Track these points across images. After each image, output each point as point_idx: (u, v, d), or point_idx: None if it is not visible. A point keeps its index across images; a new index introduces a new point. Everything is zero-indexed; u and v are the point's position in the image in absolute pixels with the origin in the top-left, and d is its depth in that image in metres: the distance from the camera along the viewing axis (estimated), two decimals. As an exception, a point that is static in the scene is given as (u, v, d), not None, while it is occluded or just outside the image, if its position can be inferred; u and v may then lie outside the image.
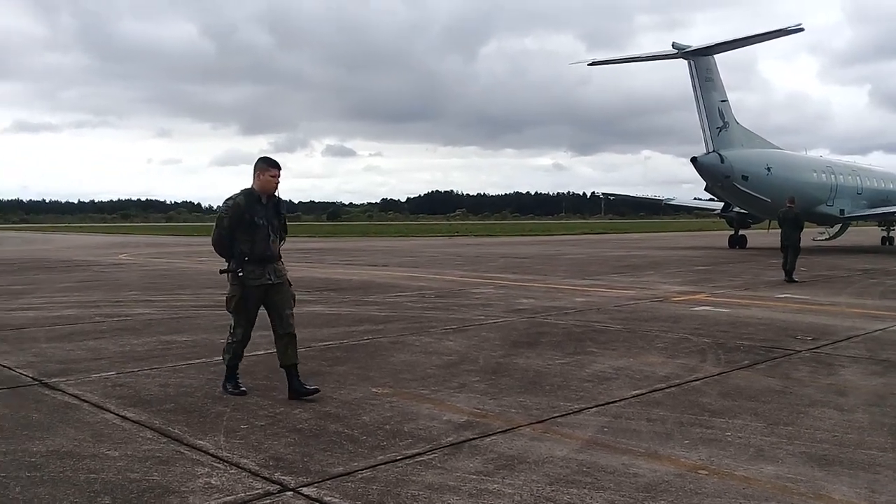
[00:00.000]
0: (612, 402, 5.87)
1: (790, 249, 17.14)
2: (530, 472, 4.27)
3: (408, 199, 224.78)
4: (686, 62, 29.70)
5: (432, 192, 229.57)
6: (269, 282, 5.95)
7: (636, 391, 6.23)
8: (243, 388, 6.03)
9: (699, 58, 29.46)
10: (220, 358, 6.31)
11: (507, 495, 3.92)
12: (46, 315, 10.95)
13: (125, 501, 3.82)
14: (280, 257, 6.11)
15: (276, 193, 6.06)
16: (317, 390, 5.90)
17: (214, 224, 5.99)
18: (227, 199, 5.93)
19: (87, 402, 5.82)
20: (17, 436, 4.92)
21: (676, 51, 29.88)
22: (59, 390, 6.21)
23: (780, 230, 18.38)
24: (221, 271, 6.02)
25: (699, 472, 4.30)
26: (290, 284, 6.17)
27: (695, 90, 29.44)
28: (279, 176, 6.02)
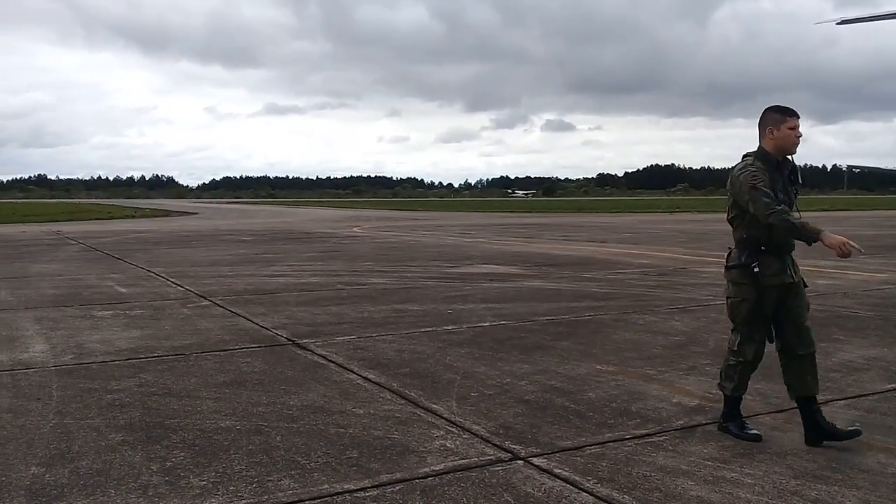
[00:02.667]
0: (864, 395, 5.36)
1: None
2: (772, 464, 4.03)
3: (625, 173, 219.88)
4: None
5: (652, 165, 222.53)
6: (790, 280, 4.41)
7: (893, 385, 5.63)
8: (754, 431, 4.46)
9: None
10: (720, 378, 4.64)
11: (746, 485, 3.74)
12: (295, 281, 12.08)
13: (371, 456, 4.14)
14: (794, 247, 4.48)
15: (791, 156, 4.48)
16: (857, 433, 4.33)
17: (748, 197, 4.25)
18: (748, 167, 4.32)
19: (333, 362, 6.36)
20: (276, 390, 5.50)
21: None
22: (309, 350, 6.83)
23: None
24: (728, 267, 4.47)
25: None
26: (806, 285, 4.57)
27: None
28: (799, 127, 4.42)
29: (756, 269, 4.34)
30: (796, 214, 4.29)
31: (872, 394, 5.41)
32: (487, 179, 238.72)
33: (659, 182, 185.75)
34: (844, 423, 4.69)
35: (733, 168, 4.50)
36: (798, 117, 4.40)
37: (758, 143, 4.48)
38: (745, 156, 4.50)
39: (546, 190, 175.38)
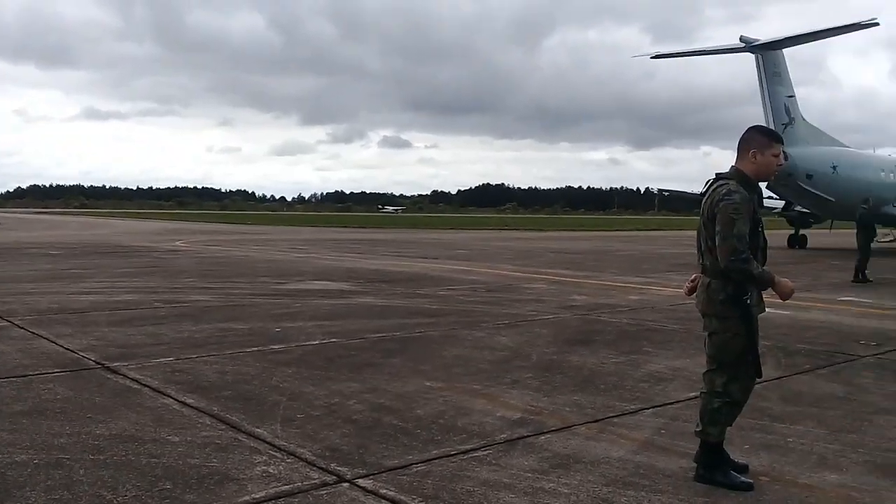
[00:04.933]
0: (670, 404, 5.76)
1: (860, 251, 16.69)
2: (586, 473, 4.22)
3: (458, 191, 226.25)
4: (753, 56, 28.96)
5: (484, 184, 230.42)
6: (763, 311, 4.19)
7: (693, 393, 6.06)
8: (744, 479, 4.09)
9: (767, 52, 28.65)
10: (702, 426, 4.18)
11: (562, 495, 3.88)
12: (107, 299, 11.25)
13: (185, 486, 3.89)
14: None
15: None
16: (750, 485, 4.05)
17: (720, 235, 3.95)
18: (732, 193, 3.98)
19: (147, 386, 5.96)
20: (80, 418, 5.05)
21: (744, 44, 29.11)
22: (121, 374, 6.36)
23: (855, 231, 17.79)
24: (724, 301, 4.04)
25: (761, 478, 4.19)
26: None
27: (761, 85, 28.65)
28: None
29: (749, 301, 4.03)
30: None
31: (676, 402, 5.83)
32: (322, 194, 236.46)
33: (490, 200, 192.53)
34: (652, 431, 5.02)
35: (712, 190, 4.12)
36: (783, 144, 4.21)
37: (733, 164, 4.18)
38: (720, 176, 4.15)
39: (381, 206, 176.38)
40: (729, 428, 4.24)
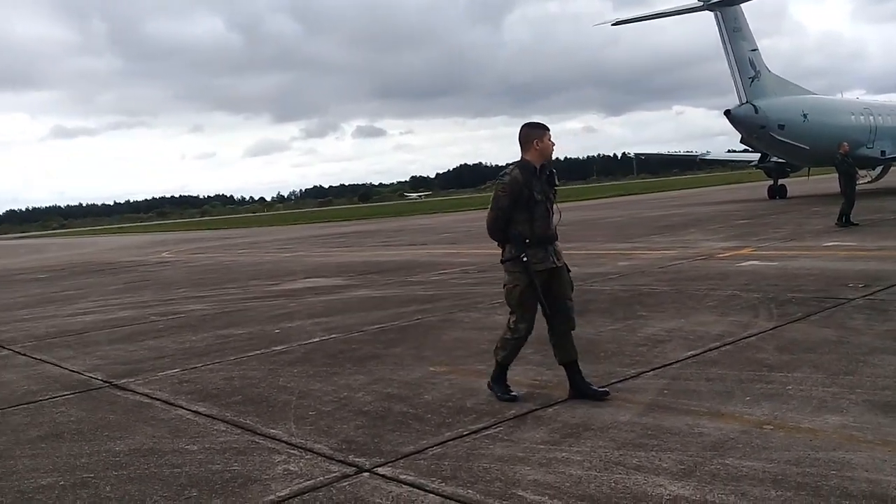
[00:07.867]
0: (669, 365, 5.91)
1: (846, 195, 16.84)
2: (596, 439, 4.35)
3: (437, 174, 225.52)
4: (712, 14, 29.10)
5: (461, 165, 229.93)
6: (553, 265, 5.25)
7: (691, 352, 6.25)
8: (514, 393, 5.27)
9: (725, 8, 28.81)
10: (496, 356, 5.42)
11: (576, 462, 4.02)
12: (103, 318, 11.28)
13: (211, 492, 4.00)
14: (557, 237, 5.38)
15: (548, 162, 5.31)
16: (606, 393, 5.17)
17: (490, 206, 5.27)
18: (501, 175, 5.22)
19: (158, 399, 6.04)
20: (98, 437, 5.14)
21: (702, 3, 29.24)
22: (130, 390, 6.44)
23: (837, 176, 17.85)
24: (503, 260, 5.28)
25: (764, 427, 4.34)
26: (569, 270, 5.42)
27: (723, 42, 28.83)
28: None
29: (525, 259, 5.12)
30: (556, 215, 5.28)
31: (676, 362, 5.97)
32: (301, 190, 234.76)
33: (469, 181, 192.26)
34: (655, 392, 5.17)
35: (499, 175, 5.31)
36: (549, 131, 5.32)
37: (521, 155, 5.26)
38: (508, 165, 5.32)
39: (361, 196, 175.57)
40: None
